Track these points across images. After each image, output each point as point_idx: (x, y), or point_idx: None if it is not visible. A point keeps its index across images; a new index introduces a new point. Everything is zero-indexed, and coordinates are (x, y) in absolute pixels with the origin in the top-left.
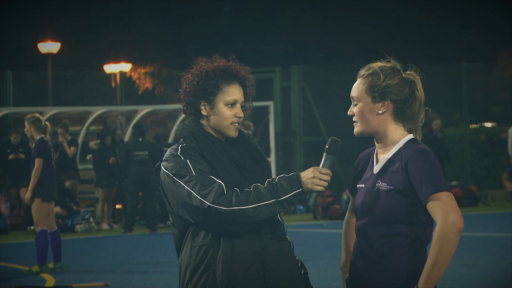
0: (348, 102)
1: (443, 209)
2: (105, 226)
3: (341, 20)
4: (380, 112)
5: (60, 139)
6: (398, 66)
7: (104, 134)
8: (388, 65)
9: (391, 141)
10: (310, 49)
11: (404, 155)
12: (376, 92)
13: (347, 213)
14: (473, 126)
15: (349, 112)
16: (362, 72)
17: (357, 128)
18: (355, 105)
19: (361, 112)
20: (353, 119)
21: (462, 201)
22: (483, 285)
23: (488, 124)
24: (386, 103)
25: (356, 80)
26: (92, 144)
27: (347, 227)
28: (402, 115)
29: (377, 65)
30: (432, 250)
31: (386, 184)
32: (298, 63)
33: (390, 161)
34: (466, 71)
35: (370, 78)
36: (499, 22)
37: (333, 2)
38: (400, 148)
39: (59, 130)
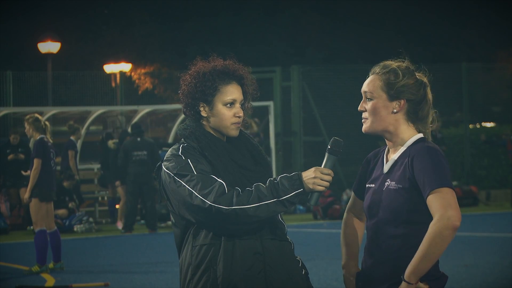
0: (348, 102)
1: (442, 204)
2: (120, 224)
3: (341, 20)
4: (395, 110)
5: (75, 138)
6: (412, 67)
7: (125, 135)
8: (404, 64)
9: (401, 141)
10: (310, 49)
11: (412, 153)
12: (393, 90)
13: (345, 214)
14: (473, 126)
15: (360, 108)
16: (377, 69)
17: (366, 125)
18: (369, 100)
19: (374, 108)
20: (363, 116)
21: (462, 201)
22: (483, 285)
23: (488, 124)
24: (402, 102)
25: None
26: (110, 143)
27: (346, 227)
28: (414, 116)
29: (393, 63)
30: (424, 243)
31: (394, 183)
32: (298, 63)
33: (398, 160)
34: (466, 71)
35: (388, 75)
36: (499, 22)
37: (333, 2)
38: (408, 147)
39: (72, 137)
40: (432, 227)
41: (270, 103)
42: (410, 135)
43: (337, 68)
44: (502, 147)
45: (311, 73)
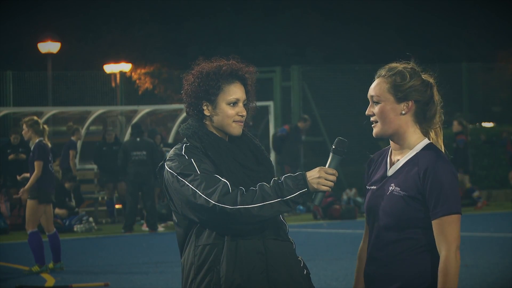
0: (348, 102)
1: (453, 237)
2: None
3: (341, 20)
4: (403, 112)
5: (76, 139)
6: (418, 68)
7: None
8: (409, 66)
9: (408, 144)
10: (310, 49)
11: (422, 162)
12: (400, 92)
13: (362, 243)
14: (473, 126)
15: (367, 112)
16: (383, 72)
17: (376, 129)
18: (376, 104)
19: (382, 111)
20: (372, 120)
21: (462, 201)
22: (483, 285)
23: (488, 124)
24: (410, 103)
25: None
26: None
27: (362, 257)
28: (422, 117)
29: (399, 65)
30: (440, 281)
31: (400, 189)
32: (298, 63)
33: (405, 166)
34: (466, 71)
35: (394, 77)
36: (499, 22)
37: (333, 2)
38: (417, 153)
39: (73, 137)
40: (444, 267)
41: (270, 103)
42: (417, 140)
43: (337, 68)
44: (502, 147)
45: (311, 73)
